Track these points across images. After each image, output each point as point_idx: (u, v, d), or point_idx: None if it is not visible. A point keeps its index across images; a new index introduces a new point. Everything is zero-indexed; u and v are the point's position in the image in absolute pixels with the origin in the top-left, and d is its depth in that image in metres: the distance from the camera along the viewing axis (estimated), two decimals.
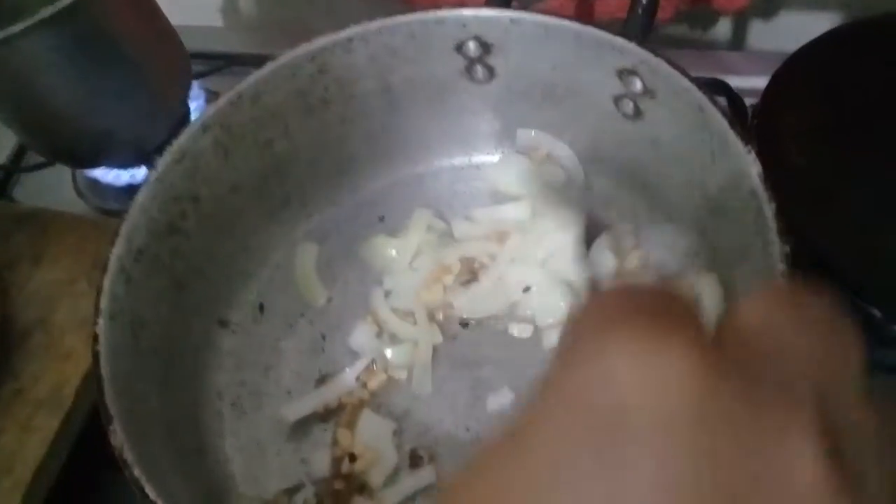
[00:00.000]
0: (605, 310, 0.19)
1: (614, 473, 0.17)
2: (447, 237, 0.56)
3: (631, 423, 0.17)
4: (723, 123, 0.43)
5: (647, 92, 0.48)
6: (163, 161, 0.47)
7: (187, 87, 0.63)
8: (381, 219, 0.59)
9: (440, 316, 0.54)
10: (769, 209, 0.40)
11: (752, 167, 0.41)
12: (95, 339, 0.42)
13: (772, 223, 0.39)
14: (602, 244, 0.51)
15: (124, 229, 0.45)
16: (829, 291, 0.20)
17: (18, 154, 0.71)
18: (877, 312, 0.51)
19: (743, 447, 0.17)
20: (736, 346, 0.19)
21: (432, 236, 0.56)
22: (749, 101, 0.64)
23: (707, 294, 0.46)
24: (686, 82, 0.45)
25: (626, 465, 0.17)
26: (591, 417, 0.17)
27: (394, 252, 0.56)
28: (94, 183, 0.66)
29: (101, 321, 0.43)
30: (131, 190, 0.54)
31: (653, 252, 0.51)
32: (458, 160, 0.60)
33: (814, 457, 0.17)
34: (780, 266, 0.39)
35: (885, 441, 0.19)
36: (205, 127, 0.48)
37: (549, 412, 0.18)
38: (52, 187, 0.68)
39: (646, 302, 0.19)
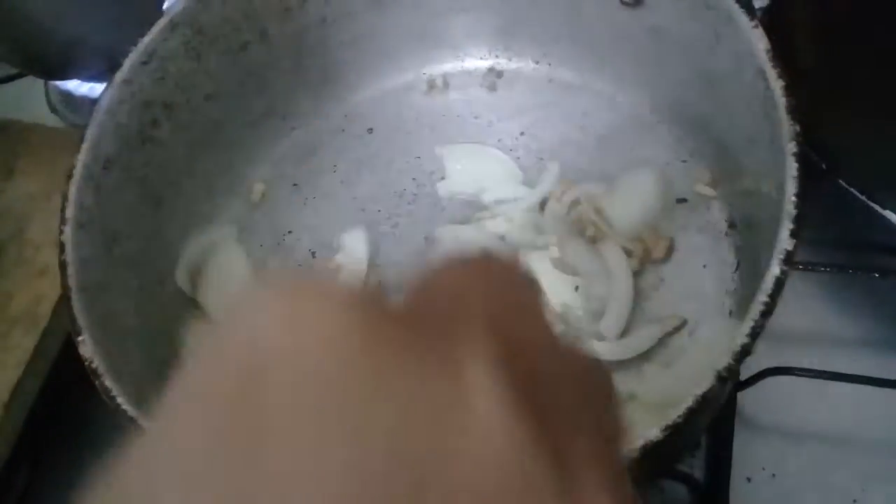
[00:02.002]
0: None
1: (252, 449, 0.13)
2: None
3: (276, 388, 0.14)
4: None
5: None
6: (128, 61, 0.44)
7: None
8: (370, 131, 0.56)
9: None
10: (777, 86, 0.37)
11: (759, 42, 0.38)
12: (62, 248, 0.40)
13: (780, 101, 0.36)
14: None
15: (90, 134, 0.43)
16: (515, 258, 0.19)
17: None
18: (890, 216, 0.48)
19: (406, 391, 0.14)
20: (407, 308, 0.17)
21: None
22: (759, 4, 0.60)
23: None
24: None
25: (266, 435, 0.13)
26: (225, 383, 0.14)
27: None
28: (68, 96, 0.63)
29: (66, 230, 0.41)
30: None
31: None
32: (449, 66, 0.56)
33: (493, 393, 0.14)
34: (791, 147, 0.35)
35: (585, 390, 0.17)
36: (173, 25, 0.45)
37: (181, 380, 0.15)
38: (23, 101, 0.65)
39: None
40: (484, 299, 0.17)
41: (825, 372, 0.44)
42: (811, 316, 0.50)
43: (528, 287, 0.19)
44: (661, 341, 0.44)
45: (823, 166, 0.45)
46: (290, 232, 0.53)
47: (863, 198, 0.47)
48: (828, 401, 0.47)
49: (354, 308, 0.15)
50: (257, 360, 0.14)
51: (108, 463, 0.14)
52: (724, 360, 0.32)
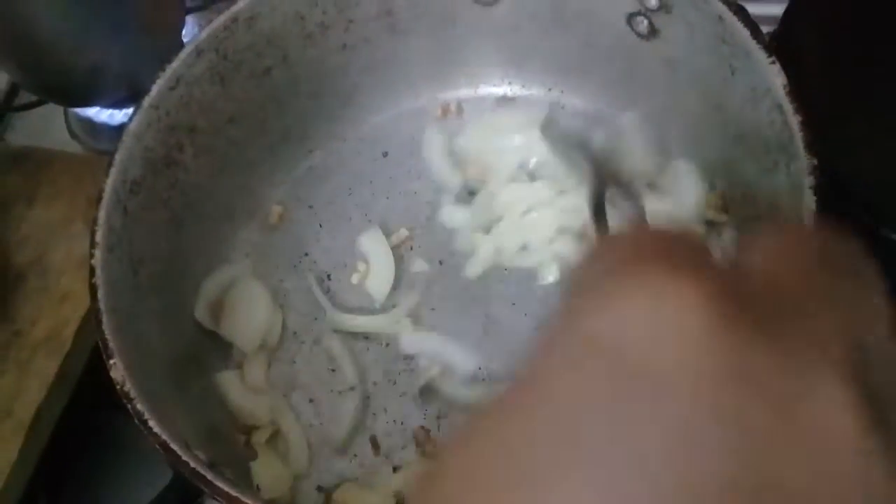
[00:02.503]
0: (615, 252, 0.18)
1: (633, 433, 0.15)
2: None
3: (648, 378, 0.15)
4: (744, 33, 0.41)
5: (663, 6, 0.46)
6: (156, 86, 0.45)
7: (181, 21, 0.61)
8: (385, 154, 0.57)
9: None
10: (795, 121, 0.38)
11: (776, 78, 0.39)
12: (92, 271, 0.41)
13: (798, 136, 0.38)
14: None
15: (118, 158, 0.43)
16: (848, 230, 0.19)
17: (10, 94, 0.68)
18: None
19: (771, 401, 0.15)
20: (756, 288, 0.17)
21: None
22: (766, 29, 0.61)
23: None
24: None
25: (645, 424, 0.15)
26: (604, 370, 0.16)
27: None
28: (88, 123, 0.64)
29: (97, 253, 0.41)
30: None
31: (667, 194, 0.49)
32: (464, 92, 0.57)
33: (849, 409, 0.15)
34: (809, 181, 0.37)
35: None
36: (199, 51, 0.46)
37: (558, 363, 0.17)
38: (44, 129, 0.65)
39: (658, 244, 0.18)
40: (839, 309, 0.17)
41: None
42: None
43: (874, 286, 0.19)
44: None
45: (832, 190, 0.47)
46: (306, 254, 0.54)
47: (874, 223, 0.49)
48: None
49: (718, 300, 0.16)
50: (628, 351, 0.16)
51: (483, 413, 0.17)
52: None
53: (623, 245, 0.19)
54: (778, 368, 0.15)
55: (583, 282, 0.18)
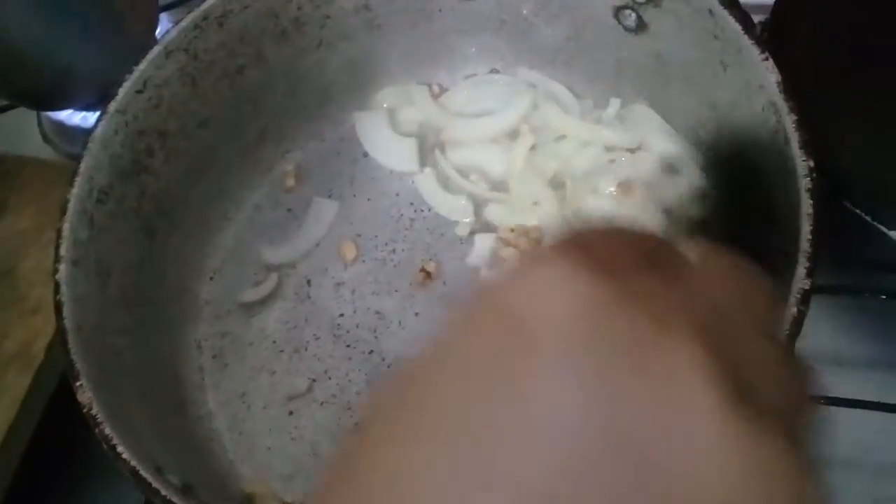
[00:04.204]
0: (546, 249, 0.20)
1: (505, 383, 0.17)
2: None
3: (524, 334, 0.17)
4: (736, 28, 0.39)
5: (651, 0, 0.44)
6: (122, 90, 0.43)
7: (154, 20, 0.59)
8: (366, 155, 0.55)
9: None
10: (790, 121, 0.36)
11: (770, 76, 0.38)
12: (57, 287, 0.39)
13: (793, 136, 0.36)
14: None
15: (83, 166, 0.41)
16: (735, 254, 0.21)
17: None
18: (894, 236, 0.48)
19: (630, 360, 0.17)
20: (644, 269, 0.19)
21: None
22: (758, 18, 0.59)
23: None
24: None
25: (515, 377, 0.17)
26: (490, 327, 0.18)
27: None
28: (61, 126, 0.61)
29: (62, 268, 0.39)
30: None
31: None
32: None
33: (704, 370, 0.16)
34: (805, 183, 0.35)
35: (795, 389, 0.20)
36: (168, 52, 0.44)
37: (466, 320, 0.19)
38: (15, 132, 0.63)
39: (585, 240, 0.20)
40: (717, 302, 0.19)
41: (832, 398, 0.43)
42: (817, 339, 0.49)
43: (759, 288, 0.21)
44: None
45: (828, 187, 0.45)
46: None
47: (868, 219, 0.47)
48: (834, 425, 0.46)
49: (597, 284, 0.18)
50: (517, 322, 0.18)
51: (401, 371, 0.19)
52: None
53: (568, 240, 0.20)
54: (641, 331, 0.17)
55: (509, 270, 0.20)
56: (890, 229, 0.47)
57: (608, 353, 0.17)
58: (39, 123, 0.64)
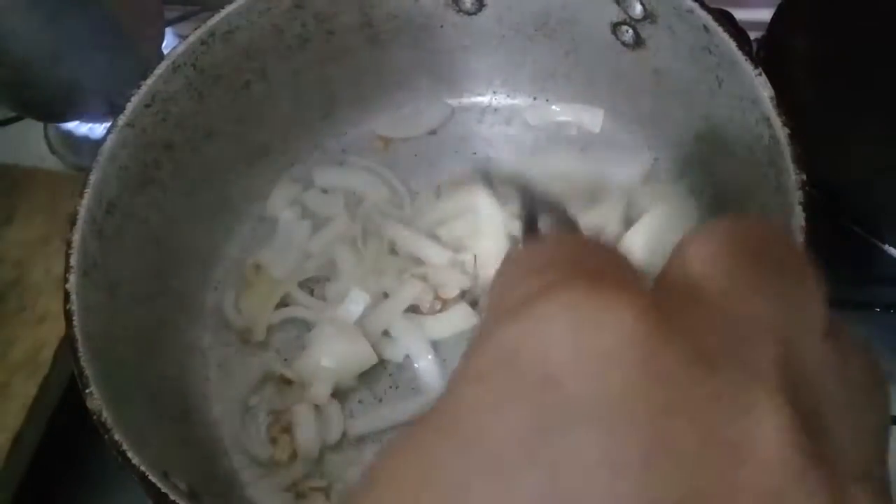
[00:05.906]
0: (536, 259, 0.17)
1: (552, 458, 0.14)
2: None
3: (569, 401, 0.15)
4: (731, 45, 0.40)
5: (648, 16, 0.45)
6: (131, 105, 0.44)
7: (160, 33, 0.60)
8: (366, 166, 0.56)
9: None
10: (783, 134, 0.37)
11: (763, 91, 0.39)
12: (67, 297, 0.40)
13: (786, 150, 0.37)
14: None
15: (93, 179, 0.42)
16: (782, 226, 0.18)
17: None
18: (890, 250, 0.48)
19: (697, 424, 0.14)
20: (682, 299, 0.16)
21: None
22: (754, 35, 0.60)
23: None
24: (689, 2, 0.42)
25: (565, 449, 0.14)
26: (524, 390, 0.15)
27: None
28: (68, 137, 0.62)
29: (72, 278, 0.40)
30: None
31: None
32: (448, 102, 0.56)
33: (780, 428, 0.15)
34: (798, 196, 0.36)
35: (858, 387, 0.17)
36: (175, 67, 0.45)
37: (479, 377, 0.16)
38: (22, 143, 0.64)
39: (580, 253, 0.18)
40: (772, 317, 0.16)
41: None
42: None
43: (813, 288, 0.18)
44: None
45: (822, 201, 0.46)
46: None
47: (862, 232, 0.48)
48: None
49: (639, 319, 0.15)
50: (550, 373, 0.15)
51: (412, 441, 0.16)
52: None
53: (546, 252, 0.18)
54: (705, 395, 0.15)
55: (503, 283, 0.18)
56: (884, 242, 0.48)
57: (675, 427, 0.14)
58: (46, 135, 0.64)
